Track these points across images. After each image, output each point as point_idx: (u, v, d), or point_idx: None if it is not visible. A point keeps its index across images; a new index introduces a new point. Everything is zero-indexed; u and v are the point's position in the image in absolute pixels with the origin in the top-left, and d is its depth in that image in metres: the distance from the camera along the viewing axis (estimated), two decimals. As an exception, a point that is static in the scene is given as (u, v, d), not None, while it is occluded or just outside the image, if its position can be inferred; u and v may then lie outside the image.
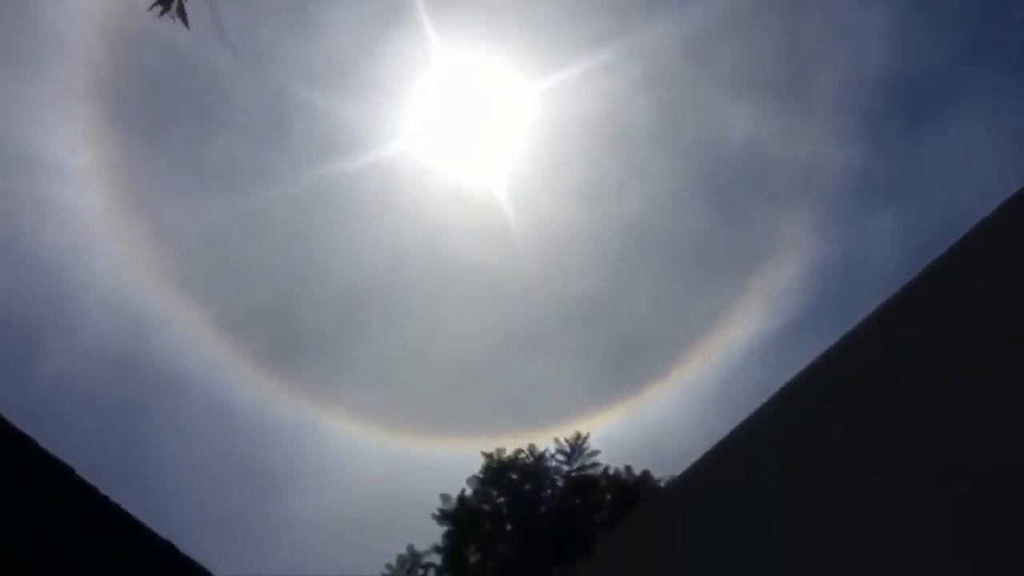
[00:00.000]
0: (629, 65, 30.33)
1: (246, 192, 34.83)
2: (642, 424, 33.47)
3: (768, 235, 35.10)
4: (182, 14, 8.20)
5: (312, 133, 35.60)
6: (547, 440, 31.99)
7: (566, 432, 31.92)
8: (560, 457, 31.74)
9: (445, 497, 31.46)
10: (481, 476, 31.74)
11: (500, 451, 31.70)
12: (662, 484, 29.94)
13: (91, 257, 32.89)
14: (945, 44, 35.00)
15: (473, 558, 31.56)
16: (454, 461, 32.96)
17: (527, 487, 31.81)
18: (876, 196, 37.52)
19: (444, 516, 31.34)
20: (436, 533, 31.51)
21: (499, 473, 31.78)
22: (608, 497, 31.09)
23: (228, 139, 35.00)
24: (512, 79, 29.92)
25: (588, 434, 31.31)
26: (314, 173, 32.62)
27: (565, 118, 32.14)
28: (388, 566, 31.37)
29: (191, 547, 8.49)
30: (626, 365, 38.08)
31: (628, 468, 31.18)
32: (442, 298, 36.71)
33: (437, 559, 31.55)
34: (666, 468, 28.57)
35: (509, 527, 31.66)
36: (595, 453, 31.42)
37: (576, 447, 31.45)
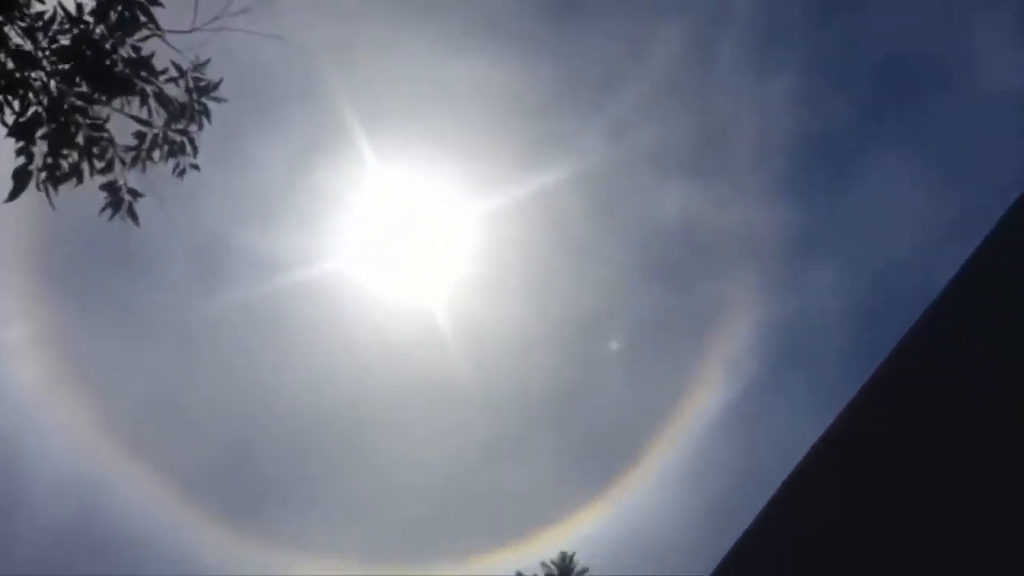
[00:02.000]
0: (562, 169, 31.02)
1: (181, 333, 34.10)
2: (621, 517, 32.87)
3: (716, 304, 35.72)
4: (132, 214, 8.10)
5: (247, 260, 35.28)
6: (533, 549, 31.05)
7: (549, 540, 31.09)
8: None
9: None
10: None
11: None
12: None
13: (34, 430, 31.55)
14: (853, 100, 36.88)
15: None
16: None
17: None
18: (812, 251, 38.76)
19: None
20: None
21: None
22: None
23: (159, 285, 34.40)
24: (450, 199, 30.31)
25: (574, 553, 30.55)
26: (250, 296, 32.22)
27: (506, 233, 32.58)
28: None
29: None
30: (597, 459, 37.62)
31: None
32: (397, 420, 36.11)
33: None
34: (652, 558, 28.01)
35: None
36: (584, 571, 30.63)
37: (564, 568, 30.61)
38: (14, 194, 7.31)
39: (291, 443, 36.07)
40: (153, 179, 8.46)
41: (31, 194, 7.92)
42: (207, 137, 8.68)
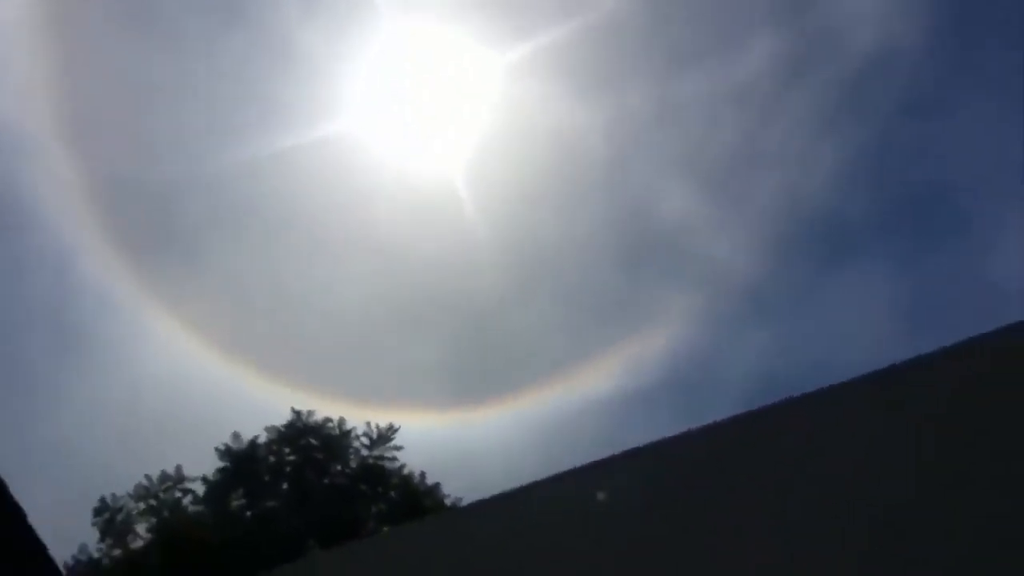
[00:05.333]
0: (598, 11, 29.06)
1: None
2: (469, 437, 33.34)
3: (657, 306, 36.00)
4: None
5: (251, 118, 33.96)
6: (367, 417, 31.34)
7: (395, 416, 31.43)
8: (364, 440, 31.23)
9: (236, 435, 30.34)
10: (281, 429, 30.81)
11: (310, 412, 30.89)
12: (448, 502, 29.93)
13: None
14: (879, 200, 37.25)
15: (237, 502, 30.45)
16: (274, 405, 31.82)
17: (320, 456, 31.08)
18: (763, 312, 39.25)
19: (226, 452, 30.18)
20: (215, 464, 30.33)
21: (300, 432, 30.94)
22: (393, 495, 30.74)
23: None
24: (469, 49, 28.72)
25: (399, 427, 30.99)
26: (256, 155, 31.05)
27: (531, 87, 30.93)
28: (147, 477, 29.89)
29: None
30: (482, 374, 37.69)
31: (423, 474, 30.96)
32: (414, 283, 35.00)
33: (201, 489, 30.31)
34: (465, 489, 28.45)
35: (285, 486, 30.80)
36: (398, 448, 31.09)
37: (383, 435, 31.02)
38: None
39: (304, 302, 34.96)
40: None
41: None
42: None
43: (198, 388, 31.19)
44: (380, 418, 31.14)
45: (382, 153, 33.84)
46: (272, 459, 30.91)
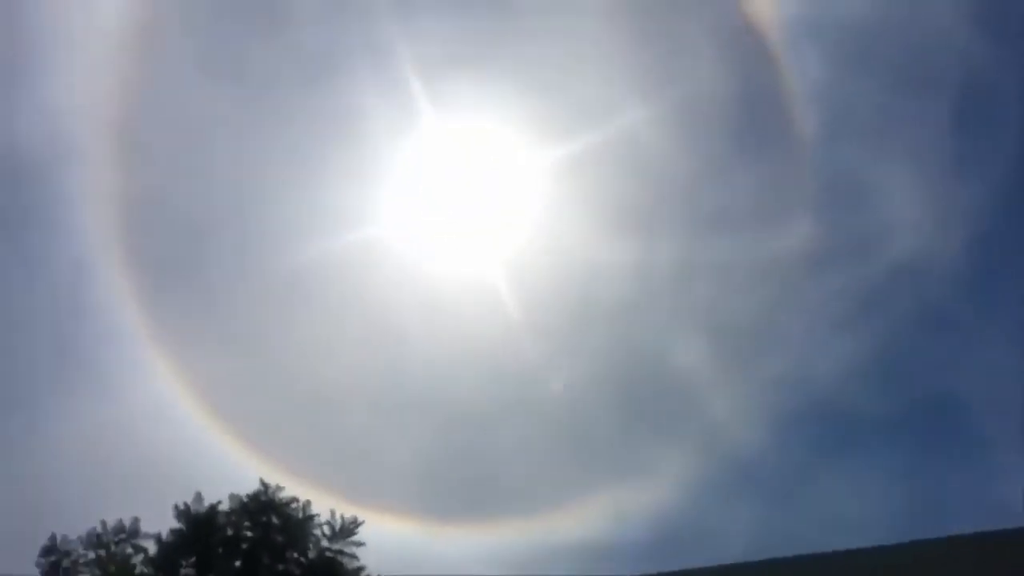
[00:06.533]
0: (644, 110, 28.69)
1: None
2: (432, 552, 31.53)
3: (649, 459, 34.12)
4: None
5: (288, 214, 35.67)
6: (333, 505, 30.00)
7: (361, 511, 30.04)
8: (326, 529, 29.68)
9: (198, 496, 29.42)
10: (245, 499, 29.73)
11: (278, 487, 29.82)
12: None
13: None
14: (887, 402, 35.17)
15: (186, 571, 29.08)
16: (245, 472, 31.11)
17: (279, 539, 29.63)
18: (755, 485, 36.73)
19: (183, 513, 29.20)
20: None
21: (263, 507, 29.75)
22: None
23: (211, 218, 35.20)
24: (511, 149, 28.72)
25: (363, 521, 29.37)
26: (293, 264, 32.26)
27: (576, 185, 30.59)
28: (103, 524, 29.10)
29: None
30: (460, 489, 35.80)
31: (380, 576, 29.07)
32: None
33: (152, 547, 29.19)
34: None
35: (238, 563, 29.31)
36: (359, 544, 29.34)
37: (346, 528, 29.43)
38: None
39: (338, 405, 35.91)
40: None
41: None
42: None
43: (177, 436, 30.90)
44: (346, 510, 29.81)
45: (413, 254, 34.28)
46: (230, 531, 29.61)
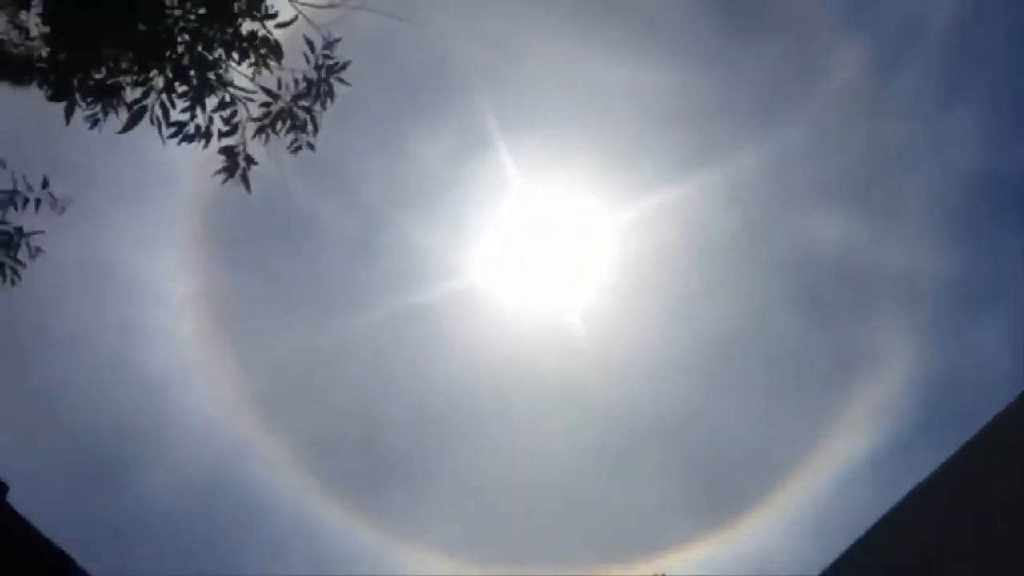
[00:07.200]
0: (710, 189, 29.99)
1: (330, 317, 35.49)
2: (741, 555, 31.12)
3: (865, 347, 33.13)
4: (245, 181, 8.28)
5: (394, 260, 36.24)
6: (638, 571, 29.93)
7: (655, 567, 29.86)
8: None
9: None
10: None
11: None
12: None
13: (184, 383, 33.80)
14: None
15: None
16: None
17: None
18: (980, 304, 35.13)
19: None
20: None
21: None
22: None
23: (315, 264, 35.90)
24: (590, 208, 29.98)
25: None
26: (395, 301, 33.06)
27: (646, 245, 31.77)
28: None
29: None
30: (719, 489, 35.82)
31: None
32: (522, 423, 35.96)
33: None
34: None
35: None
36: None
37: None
38: (127, 127, 7.64)
39: (413, 433, 36.69)
40: (274, 149, 8.62)
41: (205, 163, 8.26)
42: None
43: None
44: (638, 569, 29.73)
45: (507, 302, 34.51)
46: None
